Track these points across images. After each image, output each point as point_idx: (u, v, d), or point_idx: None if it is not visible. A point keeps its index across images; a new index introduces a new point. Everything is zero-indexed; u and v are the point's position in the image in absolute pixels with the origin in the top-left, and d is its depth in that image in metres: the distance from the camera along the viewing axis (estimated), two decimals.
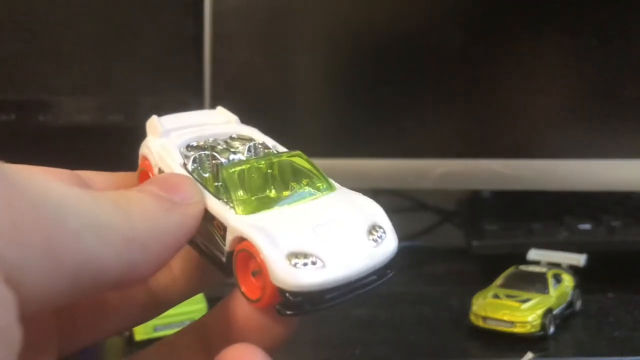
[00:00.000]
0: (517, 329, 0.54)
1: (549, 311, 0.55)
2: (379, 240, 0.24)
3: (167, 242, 0.22)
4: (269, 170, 0.26)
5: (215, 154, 0.27)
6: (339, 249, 0.22)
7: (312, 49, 0.75)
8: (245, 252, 0.23)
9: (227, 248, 0.24)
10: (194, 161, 0.26)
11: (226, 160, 0.27)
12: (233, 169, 0.25)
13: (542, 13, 0.73)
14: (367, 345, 0.55)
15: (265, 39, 0.75)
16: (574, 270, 0.61)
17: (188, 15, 0.76)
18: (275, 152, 0.27)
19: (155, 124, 0.28)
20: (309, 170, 0.26)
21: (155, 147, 0.27)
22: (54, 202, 0.19)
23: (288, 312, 0.22)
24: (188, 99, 0.77)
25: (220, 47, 0.73)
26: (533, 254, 0.63)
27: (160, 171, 0.27)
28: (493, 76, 0.75)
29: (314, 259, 0.22)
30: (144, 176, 0.28)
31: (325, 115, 0.76)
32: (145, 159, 0.28)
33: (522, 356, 0.52)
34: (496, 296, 0.57)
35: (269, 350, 0.22)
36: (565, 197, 0.75)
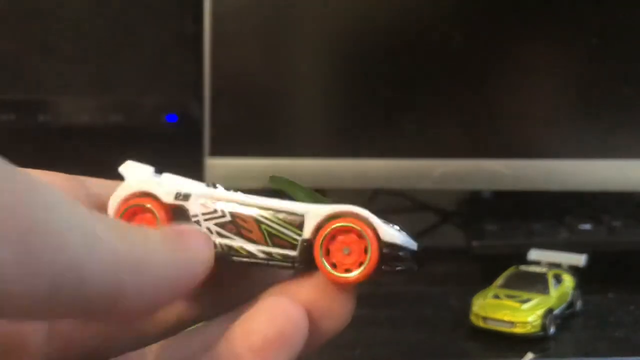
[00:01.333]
0: (518, 329, 0.54)
1: (549, 311, 0.55)
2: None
3: (164, 279, 0.21)
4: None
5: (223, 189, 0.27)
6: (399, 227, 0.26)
7: (312, 48, 0.75)
8: (340, 228, 0.25)
9: (306, 236, 0.25)
10: (213, 186, 0.27)
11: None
12: (279, 177, 0.27)
13: (542, 13, 0.73)
14: (367, 346, 0.55)
15: (265, 39, 0.74)
16: (574, 270, 0.61)
17: (188, 15, 0.76)
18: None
19: (141, 166, 0.27)
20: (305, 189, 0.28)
21: (160, 178, 0.26)
22: (45, 202, 0.18)
23: (391, 268, 0.25)
24: (188, 99, 0.77)
25: (220, 47, 0.72)
26: (533, 254, 0.63)
27: (179, 195, 0.26)
28: (493, 76, 0.75)
29: (396, 227, 0.25)
30: (133, 214, 0.26)
31: (325, 115, 0.76)
32: (139, 195, 0.26)
33: (522, 356, 0.52)
34: (496, 296, 0.57)
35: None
36: (566, 197, 0.75)
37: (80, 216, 0.19)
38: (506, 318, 0.55)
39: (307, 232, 0.25)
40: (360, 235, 0.25)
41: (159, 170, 0.27)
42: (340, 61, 0.75)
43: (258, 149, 0.73)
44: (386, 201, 0.76)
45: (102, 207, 0.26)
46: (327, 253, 0.25)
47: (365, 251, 0.24)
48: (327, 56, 0.75)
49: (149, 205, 0.26)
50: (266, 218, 0.25)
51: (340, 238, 0.25)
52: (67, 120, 0.77)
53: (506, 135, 0.75)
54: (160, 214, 0.26)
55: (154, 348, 0.26)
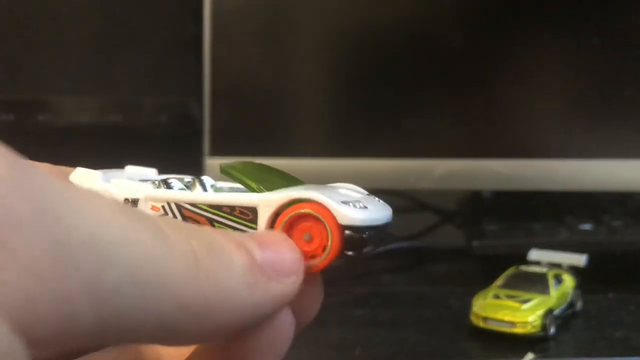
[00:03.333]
0: (518, 330, 0.54)
1: (549, 312, 0.55)
2: (380, 200, 0.26)
3: (227, 321, 0.18)
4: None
5: (177, 182, 0.26)
6: (365, 201, 0.24)
7: (312, 49, 0.75)
8: (297, 215, 0.23)
9: (262, 227, 0.24)
10: (165, 186, 0.26)
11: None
12: (234, 165, 0.25)
13: (542, 13, 0.73)
14: (366, 346, 0.55)
15: (265, 39, 0.74)
16: (574, 270, 0.61)
17: (188, 15, 0.76)
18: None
19: (90, 172, 0.26)
20: (277, 172, 0.27)
21: (107, 185, 0.25)
22: (98, 245, 0.16)
23: (354, 253, 0.23)
24: (188, 99, 0.77)
25: (220, 47, 0.72)
26: (534, 254, 0.63)
27: (128, 201, 0.25)
28: (493, 76, 0.75)
29: (360, 204, 0.24)
30: None
31: (325, 115, 0.76)
32: None
33: (522, 357, 0.52)
34: (496, 296, 0.57)
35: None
36: (566, 197, 0.75)
37: (144, 253, 0.17)
38: (506, 318, 0.55)
39: (261, 225, 0.23)
40: (319, 220, 0.23)
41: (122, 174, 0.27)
42: (340, 61, 0.75)
43: (258, 148, 0.72)
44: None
45: None
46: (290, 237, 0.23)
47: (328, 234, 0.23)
48: (327, 56, 0.75)
49: None
50: (218, 215, 0.24)
51: (299, 225, 0.23)
52: (67, 120, 0.77)
53: (506, 135, 0.75)
54: None
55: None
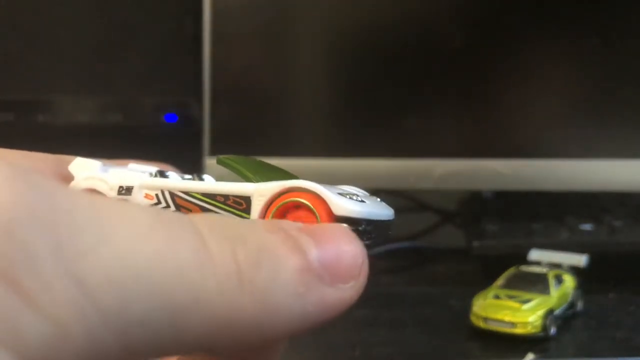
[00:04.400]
0: (518, 330, 0.54)
1: (550, 312, 0.55)
2: (381, 200, 0.25)
3: (271, 334, 0.16)
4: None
5: (175, 174, 0.26)
6: (365, 197, 0.24)
7: (312, 48, 0.75)
8: (289, 203, 0.23)
9: (255, 216, 0.23)
10: (161, 175, 0.26)
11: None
12: (231, 156, 0.25)
13: (543, 13, 0.73)
14: (367, 346, 0.55)
15: (265, 38, 0.74)
16: (575, 270, 0.61)
17: (188, 15, 0.76)
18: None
19: (89, 162, 0.26)
20: (274, 167, 0.27)
21: (104, 174, 0.25)
22: (126, 275, 0.14)
23: None
24: (188, 99, 0.77)
25: (220, 47, 0.72)
26: (534, 254, 0.63)
27: (122, 189, 0.25)
28: (494, 76, 0.75)
29: (357, 197, 0.23)
30: None
31: (326, 115, 0.76)
32: (91, 190, 0.25)
33: (523, 357, 0.52)
34: (497, 297, 0.57)
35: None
36: (566, 197, 0.75)
37: (178, 274, 0.15)
38: (507, 318, 0.55)
39: (254, 214, 0.23)
40: (311, 210, 0.22)
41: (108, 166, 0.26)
42: (340, 61, 0.75)
43: (258, 148, 0.72)
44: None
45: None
46: None
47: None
48: (327, 56, 0.75)
49: None
50: (211, 204, 0.23)
51: (291, 215, 0.22)
52: (67, 120, 0.77)
53: (506, 135, 0.75)
54: None
55: None
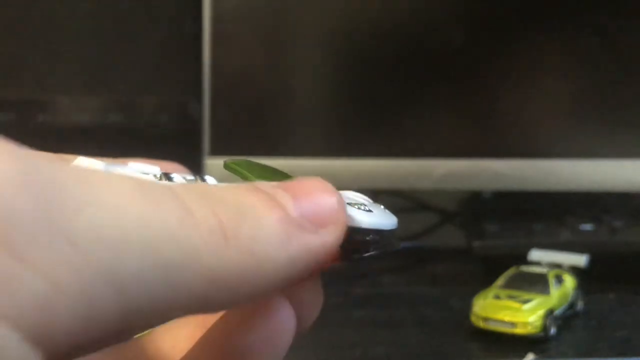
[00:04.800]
0: (518, 330, 0.54)
1: (550, 312, 0.55)
2: (384, 207, 0.25)
3: (262, 284, 0.17)
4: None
5: (180, 176, 0.26)
6: (371, 206, 0.24)
7: (312, 48, 0.75)
8: None
9: None
10: (167, 178, 0.26)
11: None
12: (237, 161, 0.25)
13: (543, 13, 0.73)
14: (367, 347, 0.55)
15: (265, 38, 0.74)
16: (575, 270, 0.61)
17: (188, 15, 0.76)
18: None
19: (92, 161, 0.26)
20: (277, 171, 0.27)
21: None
22: (115, 234, 0.15)
23: (357, 255, 0.23)
24: (188, 99, 0.77)
25: (220, 47, 0.72)
26: (534, 254, 0.63)
27: None
28: (494, 76, 0.75)
29: (365, 207, 0.23)
30: None
31: (325, 115, 0.76)
32: None
33: (523, 357, 0.52)
34: (497, 297, 0.57)
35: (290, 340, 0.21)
36: (567, 198, 0.75)
37: (166, 231, 0.16)
38: (507, 319, 0.55)
39: None
40: None
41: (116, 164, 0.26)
42: (340, 61, 0.75)
43: (258, 148, 0.72)
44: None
45: None
46: None
47: None
48: (327, 56, 0.75)
49: None
50: None
51: None
52: (67, 120, 0.77)
53: (506, 135, 0.75)
54: None
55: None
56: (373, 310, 0.62)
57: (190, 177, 0.27)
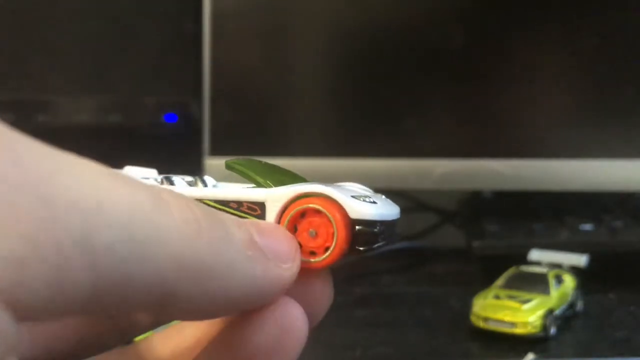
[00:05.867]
0: (518, 330, 0.54)
1: (550, 312, 0.55)
2: (385, 197, 0.25)
3: (229, 290, 0.18)
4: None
5: (180, 180, 0.26)
6: (374, 197, 0.24)
7: (312, 48, 0.75)
8: (303, 210, 0.23)
9: (271, 222, 0.23)
10: (168, 182, 0.26)
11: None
12: (239, 161, 0.25)
13: (542, 13, 0.73)
14: (367, 346, 0.55)
15: (265, 38, 0.74)
16: (575, 270, 0.61)
17: (188, 15, 0.76)
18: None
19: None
20: (281, 169, 0.27)
21: None
22: (89, 203, 0.15)
23: (365, 247, 0.23)
24: (188, 99, 0.77)
25: (220, 47, 0.72)
26: (534, 254, 0.63)
27: None
28: (494, 76, 0.75)
29: (369, 199, 0.23)
30: None
31: (325, 115, 0.76)
32: None
33: (523, 357, 0.52)
34: (497, 297, 0.57)
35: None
36: (567, 198, 0.75)
37: (140, 211, 0.16)
38: (507, 319, 0.55)
39: (270, 221, 0.23)
40: (326, 215, 0.22)
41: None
42: (340, 61, 0.75)
43: (258, 148, 0.72)
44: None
45: None
46: (293, 234, 0.23)
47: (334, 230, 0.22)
48: (327, 56, 0.75)
49: None
50: (225, 211, 0.23)
51: (305, 220, 0.23)
52: (67, 120, 0.77)
53: (506, 135, 0.75)
54: None
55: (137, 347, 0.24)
56: (373, 310, 0.62)
57: (189, 178, 0.27)
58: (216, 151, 0.72)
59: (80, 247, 0.15)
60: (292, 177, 0.25)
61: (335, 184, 0.26)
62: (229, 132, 0.73)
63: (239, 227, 0.19)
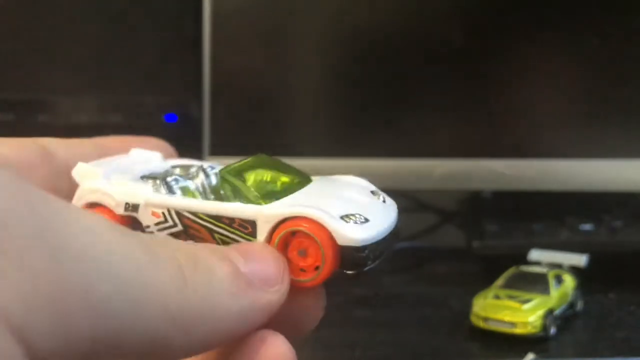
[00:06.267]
0: (518, 330, 0.54)
1: (550, 312, 0.55)
2: (384, 200, 0.26)
3: (217, 331, 0.19)
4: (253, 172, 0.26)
5: (179, 178, 0.26)
6: (369, 209, 0.24)
7: (312, 49, 0.75)
8: (292, 232, 0.23)
9: (262, 240, 0.23)
10: (165, 186, 0.26)
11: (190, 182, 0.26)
12: (233, 172, 0.25)
13: (542, 13, 0.73)
14: (367, 346, 0.55)
15: (265, 39, 0.74)
16: (575, 270, 0.61)
17: (188, 16, 0.76)
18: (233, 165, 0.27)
19: (91, 169, 0.26)
20: (282, 168, 0.27)
21: (108, 186, 0.25)
22: (89, 256, 0.16)
23: (353, 271, 0.23)
24: (188, 99, 0.77)
25: (220, 47, 0.72)
26: (534, 254, 0.63)
27: (129, 206, 0.25)
28: (494, 76, 0.75)
29: (361, 217, 0.23)
30: None
31: (325, 115, 0.76)
32: (93, 205, 0.25)
33: (523, 357, 0.52)
34: (497, 297, 0.57)
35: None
36: (566, 198, 0.75)
37: (134, 265, 0.17)
38: (507, 318, 0.55)
39: (260, 239, 0.23)
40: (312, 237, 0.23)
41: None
42: (340, 61, 0.75)
43: (258, 148, 0.72)
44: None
45: (70, 174, 0.26)
46: (284, 253, 0.23)
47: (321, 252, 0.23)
48: (327, 56, 0.75)
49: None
50: (218, 226, 0.24)
51: (295, 240, 0.23)
52: (67, 120, 0.77)
53: (506, 135, 0.75)
54: None
55: None
56: (373, 310, 0.62)
57: (195, 163, 0.27)
58: (216, 151, 0.72)
59: (82, 297, 0.16)
60: (292, 179, 0.25)
61: (336, 178, 0.26)
62: (229, 132, 0.73)
63: (222, 261, 0.20)
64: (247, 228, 0.23)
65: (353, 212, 0.23)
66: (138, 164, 0.28)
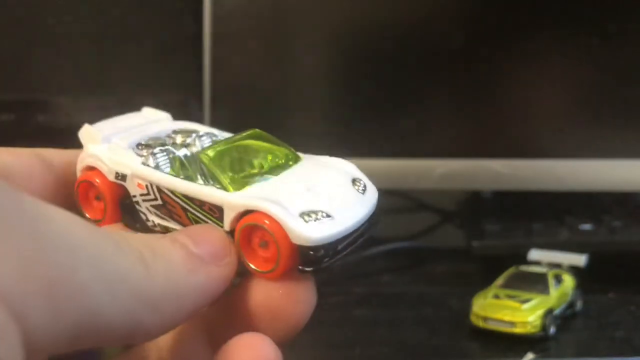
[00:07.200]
0: (518, 330, 0.54)
1: (549, 311, 0.55)
2: (364, 190, 0.26)
3: (183, 305, 0.21)
4: (237, 151, 0.27)
5: (171, 149, 0.27)
6: (338, 202, 0.24)
7: (312, 48, 0.75)
8: (252, 225, 0.23)
9: (226, 228, 0.24)
10: (153, 158, 0.26)
11: (186, 151, 0.27)
12: (211, 153, 0.26)
13: (542, 13, 0.73)
14: (366, 346, 0.55)
15: (266, 38, 0.74)
16: (574, 270, 0.61)
17: (188, 15, 0.76)
18: (229, 136, 0.28)
19: (93, 132, 0.28)
20: (273, 145, 0.28)
21: (104, 152, 0.27)
22: (70, 247, 0.18)
23: (309, 269, 0.23)
24: (188, 99, 0.77)
25: (220, 47, 0.72)
26: (534, 254, 0.63)
27: (118, 175, 0.26)
28: (494, 76, 0.75)
29: (323, 214, 0.23)
30: (87, 188, 0.27)
31: (326, 115, 0.76)
32: (91, 168, 0.27)
33: (522, 357, 0.52)
34: (497, 296, 0.57)
35: (278, 343, 0.22)
36: (566, 197, 0.75)
37: (105, 254, 0.19)
38: (506, 318, 0.55)
39: (226, 225, 0.24)
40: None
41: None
42: (340, 61, 0.75)
43: None
44: (386, 201, 0.76)
45: (67, 182, 0.27)
46: (249, 242, 0.24)
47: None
48: (327, 56, 0.75)
49: (98, 180, 0.27)
50: (191, 207, 0.25)
51: (260, 231, 0.23)
52: (67, 120, 0.77)
53: (506, 135, 0.75)
54: (106, 192, 0.27)
55: None
56: (373, 310, 0.62)
57: (203, 128, 0.28)
58: None
59: (68, 281, 0.18)
60: (275, 161, 0.27)
61: (324, 159, 0.27)
62: (229, 132, 0.73)
63: (173, 245, 0.22)
64: (216, 213, 0.24)
65: (316, 209, 0.23)
66: (147, 124, 0.29)
